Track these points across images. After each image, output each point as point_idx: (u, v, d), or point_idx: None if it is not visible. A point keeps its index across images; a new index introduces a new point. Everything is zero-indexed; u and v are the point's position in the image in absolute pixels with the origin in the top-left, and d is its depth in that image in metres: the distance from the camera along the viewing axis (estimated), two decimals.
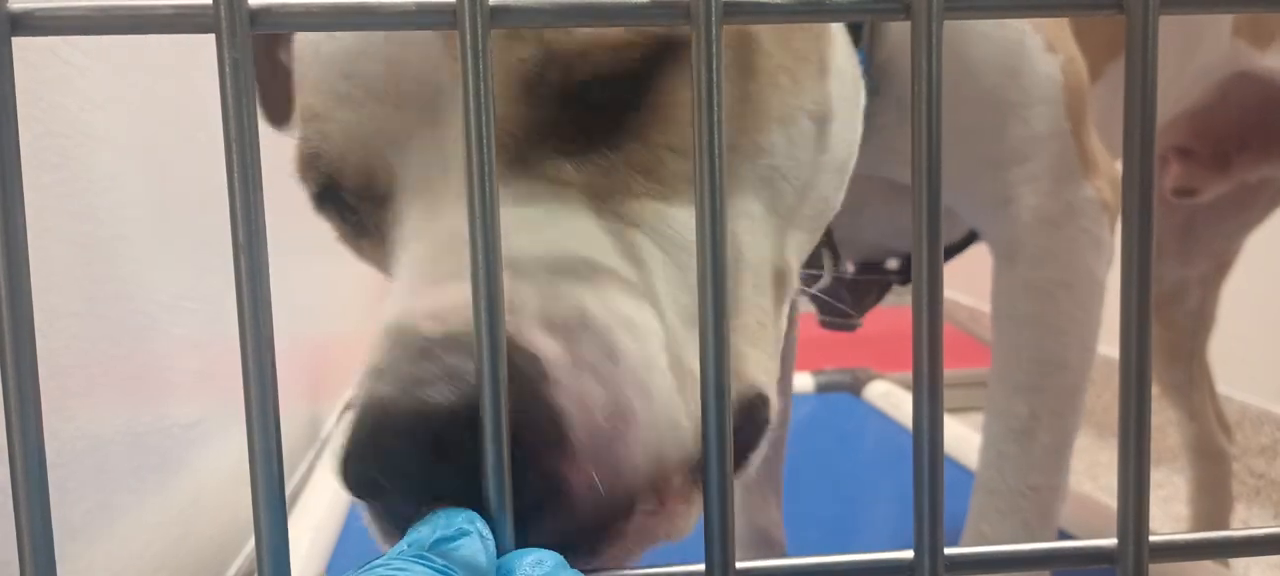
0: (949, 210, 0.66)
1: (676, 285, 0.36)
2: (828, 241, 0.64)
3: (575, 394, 0.30)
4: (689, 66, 0.32)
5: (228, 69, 0.24)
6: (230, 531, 1.00)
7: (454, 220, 0.35)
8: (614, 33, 0.34)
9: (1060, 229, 0.60)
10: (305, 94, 0.41)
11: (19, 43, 0.25)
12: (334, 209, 0.42)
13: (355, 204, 0.40)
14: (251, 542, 0.27)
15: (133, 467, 0.80)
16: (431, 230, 0.36)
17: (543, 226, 0.35)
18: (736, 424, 0.34)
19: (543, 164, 0.36)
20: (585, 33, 0.34)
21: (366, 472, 0.29)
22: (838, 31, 0.45)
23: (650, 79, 0.36)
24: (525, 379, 0.29)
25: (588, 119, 0.36)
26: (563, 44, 0.34)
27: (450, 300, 0.31)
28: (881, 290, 0.81)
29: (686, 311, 0.35)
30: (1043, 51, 0.59)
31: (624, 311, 0.33)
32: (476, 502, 0.28)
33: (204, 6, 0.25)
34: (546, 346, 0.30)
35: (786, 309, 0.42)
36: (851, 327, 0.79)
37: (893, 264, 0.81)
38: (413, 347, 0.30)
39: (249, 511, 0.27)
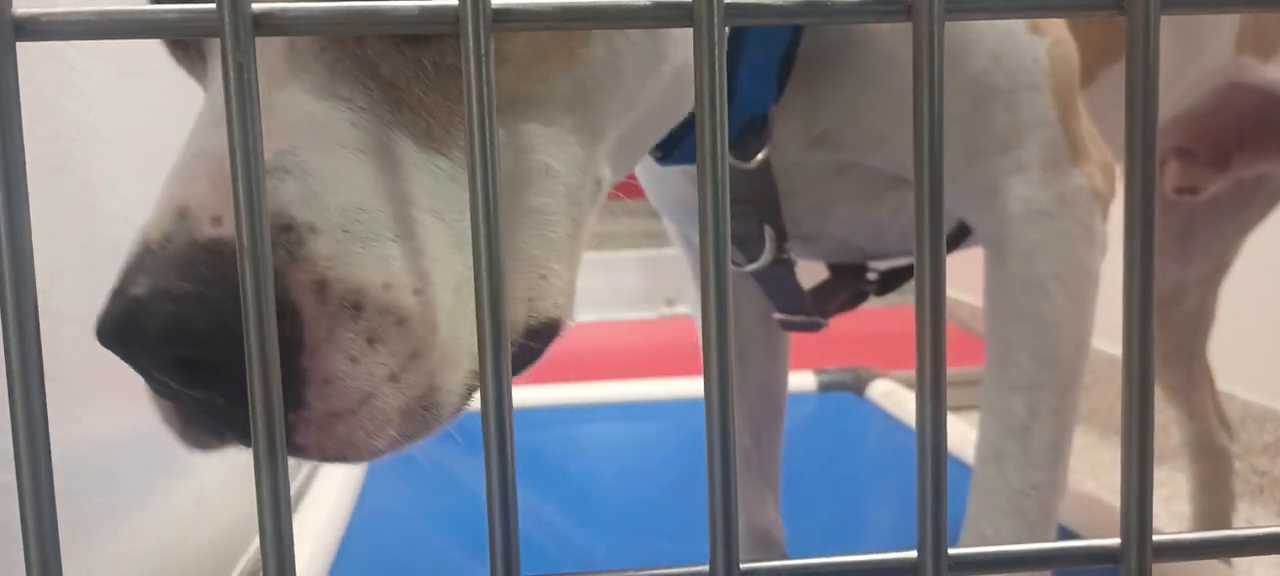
0: None
1: (465, 213, 0.36)
2: (773, 219, 0.63)
3: (324, 372, 0.33)
4: None
5: (232, 73, 0.24)
6: (235, 532, 1.00)
7: (265, 86, 0.35)
8: None
9: (1052, 220, 0.59)
10: None
11: (23, 47, 0.25)
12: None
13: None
14: (256, 543, 0.27)
15: (138, 469, 0.81)
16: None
17: (338, 136, 0.35)
18: (519, 346, 0.39)
19: (345, 46, 0.36)
20: None
21: (120, 357, 0.33)
22: None
23: None
24: (282, 335, 0.31)
25: None
26: None
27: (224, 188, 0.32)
28: (852, 297, 0.79)
29: (466, 241, 0.36)
30: (1027, 33, 0.58)
31: (399, 298, 0.34)
32: (214, 402, 0.33)
33: (207, 11, 0.25)
34: (312, 315, 0.33)
35: (593, 219, 0.44)
36: (815, 329, 0.78)
37: (872, 275, 0.79)
38: (186, 247, 0.32)
39: (253, 511, 0.27)
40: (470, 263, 0.36)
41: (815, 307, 0.77)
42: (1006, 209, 0.60)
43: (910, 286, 0.30)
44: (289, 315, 0.32)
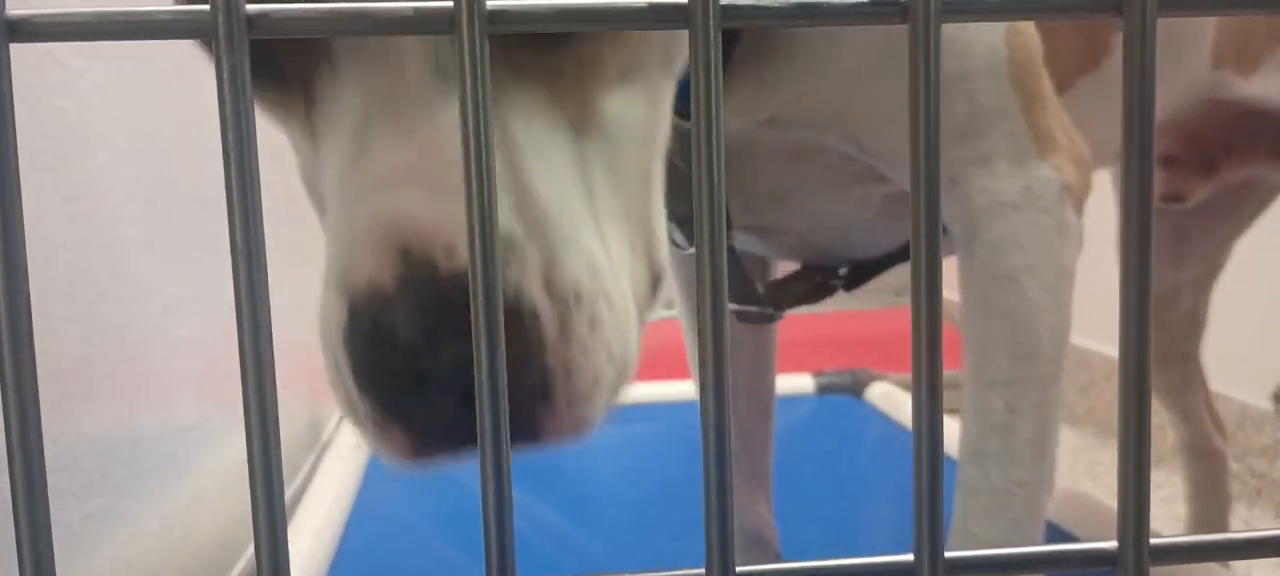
0: (903, 194, 0.64)
1: (613, 190, 0.40)
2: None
3: (565, 364, 0.35)
4: None
5: (226, 74, 0.24)
6: (231, 534, 1.00)
7: (418, 89, 0.36)
8: None
9: (1019, 212, 0.59)
10: None
11: (18, 48, 0.25)
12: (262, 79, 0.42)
13: (278, 50, 0.39)
14: (252, 546, 0.27)
15: (133, 470, 0.80)
16: (406, 113, 0.36)
17: (523, 147, 0.37)
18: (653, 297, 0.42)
19: (501, 58, 0.37)
20: None
21: (392, 405, 0.34)
22: None
23: None
24: (528, 337, 0.34)
25: None
26: None
27: (448, 214, 0.34)
28: (814, 289, 0.78)
29: (619, 214, 0.40)
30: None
31: (604, 285, 0.37)
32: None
33: (201, 12, 0.25)
34: (547, 313, 0.35)
35: None
36: (768, 320, 0.77)
37: (842, 270, 0.78)
38: (433, 282, 0.33)
39: (249, 514, 0.27)
40: (623, 235, 0.40)
41: (770, 298, 0.76)
42: (970, 200, 0.59)
43: (909, 287, 0.30)
44: (529, 316, 0.35)
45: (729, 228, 0.64)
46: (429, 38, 0.36)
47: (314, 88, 0.38)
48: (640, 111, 0.41)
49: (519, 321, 0.34)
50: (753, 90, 0.58)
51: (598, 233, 0.38)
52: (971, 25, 0.57)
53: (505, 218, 0.35)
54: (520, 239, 0.36)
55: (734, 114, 0.59)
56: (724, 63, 0.56)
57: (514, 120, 0.37)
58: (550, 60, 0.38)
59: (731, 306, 0.77)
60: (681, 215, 0.59)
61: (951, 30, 0.57)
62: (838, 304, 0.84)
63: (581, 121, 0.39)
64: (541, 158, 0.38)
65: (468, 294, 0.29)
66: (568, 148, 0.39)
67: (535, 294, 0.35)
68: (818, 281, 0.77)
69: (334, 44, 0.37)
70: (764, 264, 0.87)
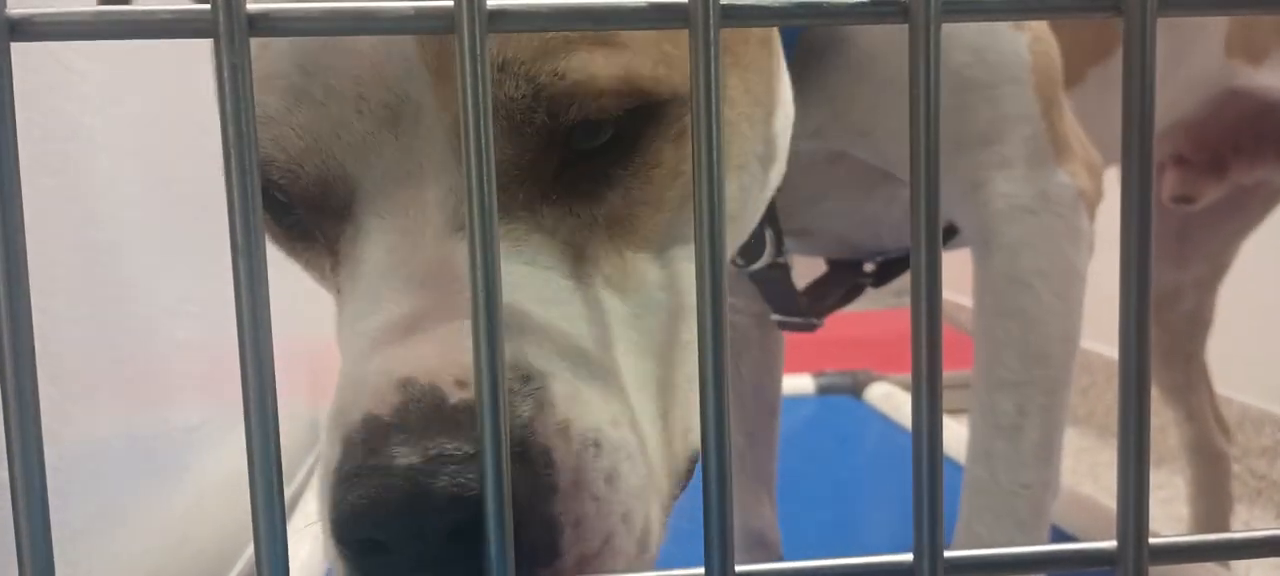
0: None
1: (642, 353, 0.37)
2: (770, 219, 0.63)
3: (575, 515, 0.31)
4: (675, 127, 0.35)
5: (226, 74, 0.24)
6: (231, 535, 1.00)
7: (448, 255, 0.34)
8: (604, 79, 0.34)
9: (1035, 217, 0.59)
10: (256, 91, 0.39)
11: (20, 48, 0.25)
12: (269, 209, 0.40)
13: (305, 214, 0.38)
14: (252, 547, 0.27)
15: (133, 471, 0.80)
16: (418, 263, 0.35)
17: (543, 294, 0.35)
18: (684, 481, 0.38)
19: (524, 208, 0.36)
20: (577, 75, 0.34)
21: (379, 536, 0.30)
22: (781, 60, 0.47)
23: (635, 135, 0.37)
24: (537, 482, 0.31)
25: (571, 167, 0.36)
26: (552, 86, 0.34)
27: (458, 354, 0.31)
28: (847, 292, 0.79)
29: (648, 378, 0.37)
30: (1008, 29, 0.58)
31: (625, 434, 0.34)
32: None
33: (202, 12, 0.25)
34: (562, 456, 0.32)
35: None
36: (810, 329, 0.78)
37: (869, 266, 0.79)
38: (425, 411, 0.30)
39: (250, 514, 0.27)
40: (653, 403, 0.37)
41: (810, 307, 0.77)
42: (989, 204, 0.60)
43: (908, 288, 0.30)
44: (542, 459, 0.31)
45: (780, 242, 0.64)
46: (452, 195, 0.35)
47: (339, 247, 0.38)
48: (684, 282, 0.39)
49: (527, 463, 0.31)
50: (802, 108, 0.58)
51: (624, 390, 0.36)
52: (1000, 33, 0.58)
53: (520, 349, 0.33)
54: (537, 371, 0.33)
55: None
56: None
57: (539, 267, 0.35)
58: (580, 216, 0.37)
59: (774, 316, 0.78)
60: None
61: (979, 39, 0.57)
62: None
63: (616, 279, 0.37)
64: (567, 305, 0.35)
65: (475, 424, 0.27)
66: (597, 302, 0.36)
67: (549, 434, 0.32)
68: (849, 284, 0.78)
69: (357, 205, 0.36)
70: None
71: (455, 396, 0.31)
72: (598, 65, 0.34)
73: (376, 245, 0.36)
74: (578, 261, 0.37)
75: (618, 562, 0.33)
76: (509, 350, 0.32)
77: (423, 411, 0.30)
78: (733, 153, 0.40)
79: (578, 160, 0.36)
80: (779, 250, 0.64)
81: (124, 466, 0.79)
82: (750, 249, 0.66)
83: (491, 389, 0.26)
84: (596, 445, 0.33)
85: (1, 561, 0.55)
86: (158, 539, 0.84)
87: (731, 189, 0.40)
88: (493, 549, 0.27)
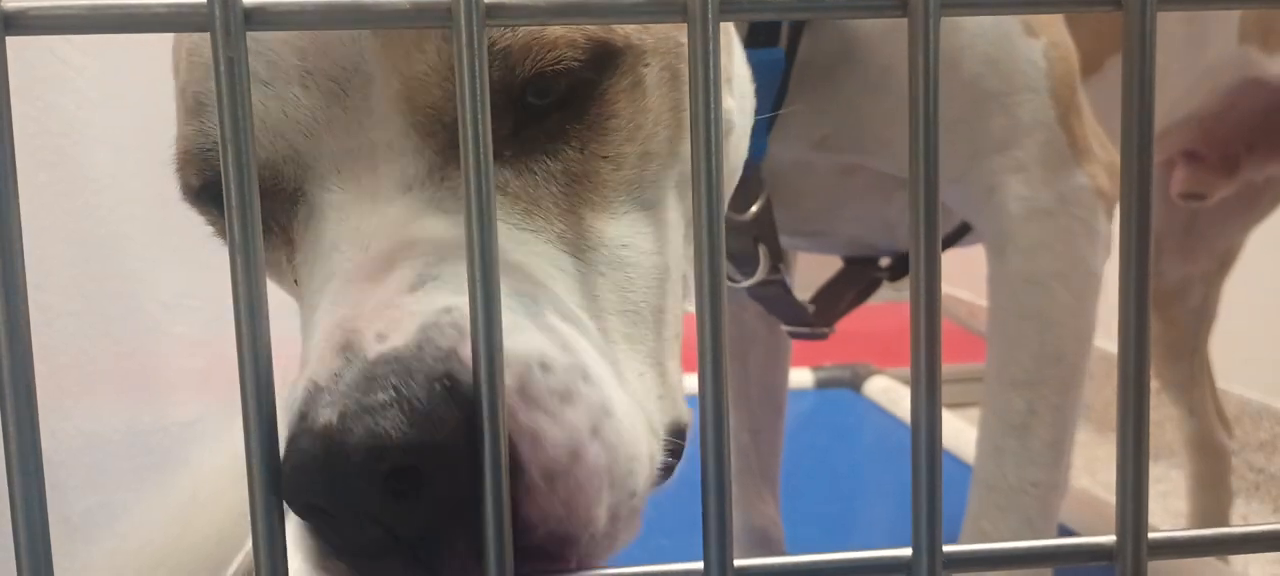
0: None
1: (628, 320, 0.37)
2: (767, 237, 0.63)
3: (530, 430, 0.30)
4: (629, 78, 0.35)
5: (222, 67, 0.24)
6: (229, 529, 1.00)
7: (395, 217, 0.34)
8: (556, 29, 0.34)
9: (1053, 218, 0.60)
10: (194, 76, 0.37)
11: (15, 42, 0.25)
12: (213, 204, 0.39)
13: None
14: (250, 541, 0.27)
15: (131, 466, 0.80)
16: (368, 229, 0.34)
17: (508, 251, 0.34)
18: (668, 448, 0.37)
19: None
20: (526, 30, 0.34)
21: (314, 501, 0.29)
22: (737, 45, 0.47)
23: (592, 88, 0.36)
24: (475, 405, 0.29)
25: (527, 122, 0.36)
26: (505, 38, 0.34)
27: (399, 312, 0.31)
28: (862, 290, 0.80)
29: (618, 332, 0.36)
30: (1022, 36, 0.58)
31: (579, 360, 0.33)
32: (425, 533, 0.29)
33: (199, 5, 0.24)
34: (506, 387, 0.30)
35: None
36: (820, 337, 0.78)
37: (885, 261, 0.80)
38: (361, 368, 0.30)
39: (247, 509, 0.27)
40: (635, 361, 0.36)
41: (823, 311, 0.77)
42: (1005, 207, 0.60)
43: (908, 282, 0.30)
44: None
45: (778, 262, 0.64)
46: (404, 159, 0.35)
47: (293, 233, 0.37)
48: (647, 242, 0.39)
49: (457, 391, 0.30)
50: (806, 120, 0.58)
51: (581, 333, 0.35)
52: (1014, 41, 0.58)
53: (454, 288, 0.32)
54: (458, 304, 0.31)
55: (791, 139, 0.60)
56: (780, 91, 0.56)
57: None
58: (536, 172, 0.36)
59: (785, 328, 0.78)
60: (730, 252, 0.60)
61: (993, 50, 0.57)
62: None
63: (578, 241, 0.37)
64: (515, 252, 0.35)
65: (398, 375, 0.28)
66: (563, 262, 0.36)
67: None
68: (863, 283, 0.78)
69: (308, 183, 0.36)
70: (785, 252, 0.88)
71: (374, 350, 0.30)
72: None
73: (330, 220, 0.35)
74: (529, 216, 0.36)
75: (597, 480, 0.32)
76: (444, 293, 0.32)
77: (352, 372, 0.30)
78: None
79: (532, 119, 0.36)
80: (774, 266, 0.64)
81: (122, 460, 0.78)
82: (744, 264, 0.65)
83: (490, 385, 0.26)
84: (543, 366, 0.32)
85: (0, 556, 0.55)
86: (156, 532, 0.84)
87: (680, 149, 0.40)
88: (492, 553, 0.26)
